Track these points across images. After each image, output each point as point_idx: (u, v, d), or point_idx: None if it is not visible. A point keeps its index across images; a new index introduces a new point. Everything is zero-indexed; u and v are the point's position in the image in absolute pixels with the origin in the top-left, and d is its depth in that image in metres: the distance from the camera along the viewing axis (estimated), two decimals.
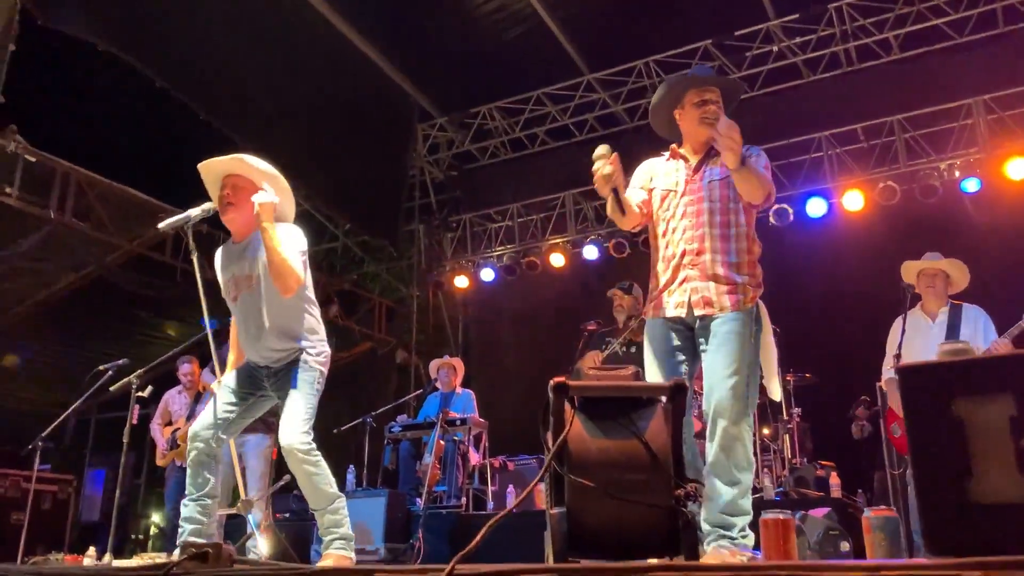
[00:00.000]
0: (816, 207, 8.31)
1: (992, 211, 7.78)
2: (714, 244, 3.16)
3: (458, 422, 6.56)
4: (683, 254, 3.20)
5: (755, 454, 6.32)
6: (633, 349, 5.10)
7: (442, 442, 6.55)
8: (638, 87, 9.67)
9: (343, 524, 3.41)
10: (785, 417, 6.48)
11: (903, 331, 4.47)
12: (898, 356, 4.38)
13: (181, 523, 3.41)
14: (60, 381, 9.37)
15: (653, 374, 3.17)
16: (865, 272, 7.15)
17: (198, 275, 3.58)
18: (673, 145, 3.44)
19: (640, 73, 9.51)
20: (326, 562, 3.30)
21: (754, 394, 3.10)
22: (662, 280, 3.27)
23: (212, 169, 3.57)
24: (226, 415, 3.47)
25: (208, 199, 3.66)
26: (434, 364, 7.31)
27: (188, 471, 3.45)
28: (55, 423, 6.38)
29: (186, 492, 3.44)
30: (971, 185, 7.79)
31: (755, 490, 5.56)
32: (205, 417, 3.45)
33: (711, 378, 3.06)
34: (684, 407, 1.92)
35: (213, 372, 4.17)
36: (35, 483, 6.80)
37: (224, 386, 3.54)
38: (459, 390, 7.14)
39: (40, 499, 8.16)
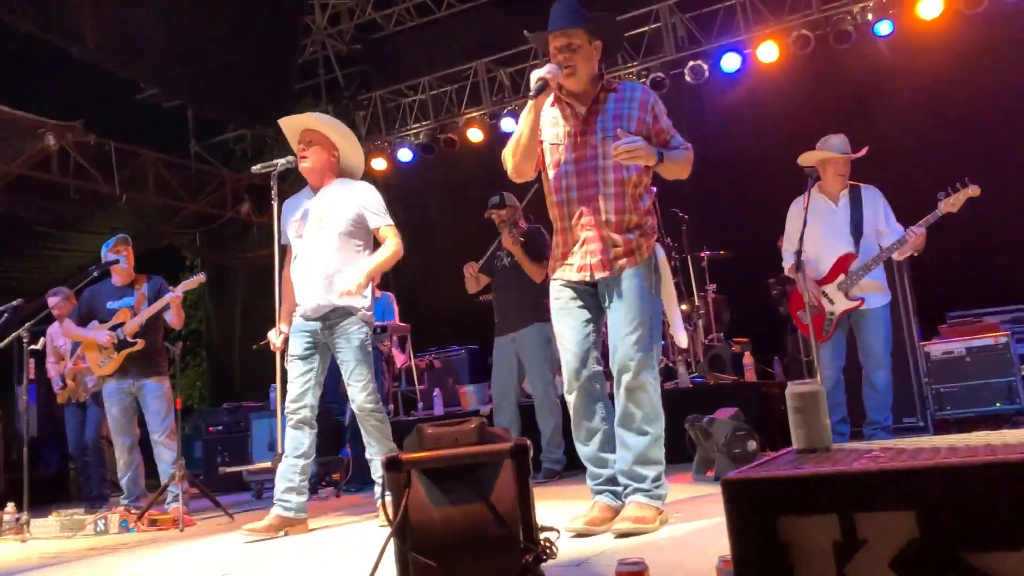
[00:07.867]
0: (731, 62, 8.06)
1: (908, 55, 7.62)
2: (607, 204, 3.07)
3: (378, 330, 6.45)
4: (580, 215, 3.11)
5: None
6: (515, 259, 5.21)
7: None
8: None
9: None
10: (700, 294, 6.48)
11: (805, 222, 4.39)
12: (799, 253, 4.34)
13: (277, 479, 3.84)
14: None
15: (561, 334, 3.17)
16: (784, 131, 7.00)
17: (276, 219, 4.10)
18: (557, 90, 3.13)
19: None
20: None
21: (658, 345, 3.13)
22: (561, 241, 3.19)
23: (290, 125, 4.07)
24: (307, 384, 3.91)
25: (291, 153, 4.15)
26: None
27: (287, 433, 3.88)
28: None
29: (284, 451, 3.87)
30: (884, 28, 7.58)
31: (671, 377, 5.65)
32: (293, 389, 3.90)
33: (614, 336, 3.06)
34: (528, 467, 1.83)
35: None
36: None
37: (293, 359, 3.92)
38: (378, 294, 6.98)
39: None
